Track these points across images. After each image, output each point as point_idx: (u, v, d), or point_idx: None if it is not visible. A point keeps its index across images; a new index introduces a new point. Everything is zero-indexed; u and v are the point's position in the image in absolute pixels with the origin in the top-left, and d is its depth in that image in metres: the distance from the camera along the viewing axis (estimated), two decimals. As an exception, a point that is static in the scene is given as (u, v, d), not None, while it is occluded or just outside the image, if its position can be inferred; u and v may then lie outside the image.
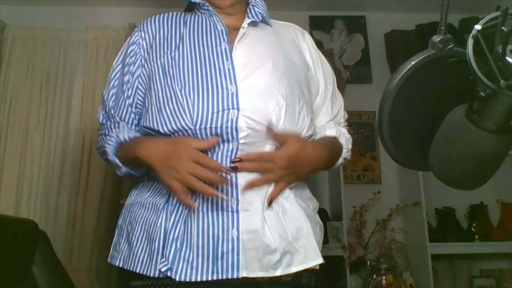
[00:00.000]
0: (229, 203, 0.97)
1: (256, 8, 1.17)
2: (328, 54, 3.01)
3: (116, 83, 1.17)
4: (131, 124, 1.13)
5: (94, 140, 2.94)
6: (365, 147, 3.08)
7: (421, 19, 3.10)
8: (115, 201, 2.73)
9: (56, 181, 2.79)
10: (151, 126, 1.04)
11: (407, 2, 3.13)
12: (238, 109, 1.00)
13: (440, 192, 2.58)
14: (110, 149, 1.10)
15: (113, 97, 1.15)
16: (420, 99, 0.93)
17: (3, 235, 1.29)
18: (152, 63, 1.11)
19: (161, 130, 1.02)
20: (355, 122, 3.07)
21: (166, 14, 1.19)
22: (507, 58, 0.72)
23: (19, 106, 2.88)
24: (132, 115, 1.13)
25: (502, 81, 0.72)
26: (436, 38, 0.87)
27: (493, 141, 0.82)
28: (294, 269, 0.98)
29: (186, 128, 0.99)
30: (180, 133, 1.00)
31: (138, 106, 1.13)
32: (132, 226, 1.08)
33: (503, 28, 0.72)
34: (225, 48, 1.08)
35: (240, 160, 0.98)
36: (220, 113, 0.99)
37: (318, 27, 3.25)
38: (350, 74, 3.19)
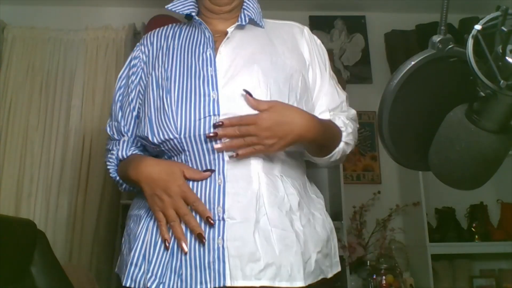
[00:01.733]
0: (215, 211, 0.97)
1: (245, 11, 1.16)
2: (328, 54, 3.01)
3: (121, 96, 1.19)
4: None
5: (94, 140, 2.98)
6: (365, 147, 3.08)
7: (421, 19, 3.10)
8: (115, 201, 2.73)
9: (56, 181, 2.79)
10: (143, 135, 1.06)
11: (407, 2, 3.13)
12: (219, 115, 0.99)
13: (440, 192, 2.58)
14: (111, 167, 1.14)
15: (120, 110, 1.17)
16: (420, 99, 0.93)
17: (1, 235, 1.29)
18: (148, 76, 1.13)
19: (151, 139, 1.04)
20: (355, 122, 3.07)
21: (166, 27, 1.21)
22: (507, 58, 0.72)
23: (19, 106, 2.88)
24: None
25: (502, 81, 0.72)
26: (436, 38, 0.87)
27: (493, 141, 0.82)
28: (278, 283, 0.95)
29: (172, 137, 1.01)
30: (167, 143, 1.02)
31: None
32: (127, 238, 1.09)
33: (503, 28, 0.72)
34: (210, 54, 1.07)
35: (222, 124, 0.96)
36: (202, 120, 0.99)
37: (318, 27, 3.25)
38: (350, 74, 3.19)
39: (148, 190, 1.01)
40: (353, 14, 3.28)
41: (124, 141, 1.13)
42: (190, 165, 1.02)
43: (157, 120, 1.04)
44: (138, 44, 1.22)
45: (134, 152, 1.12)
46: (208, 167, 1.00)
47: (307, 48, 1.20)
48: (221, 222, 0.96)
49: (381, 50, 3.23)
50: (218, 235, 0.95)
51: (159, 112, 1.04)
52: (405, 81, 0.89)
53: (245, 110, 0.99)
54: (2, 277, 1.25)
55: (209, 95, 1.02)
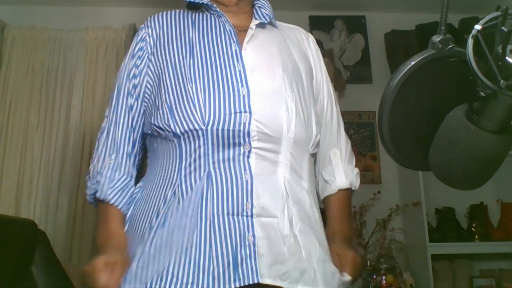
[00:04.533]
0: (244, 207, 0.95)
1: (263, 10, 1.16)
2: (328, 54, 3.01)
3: (124, 82, 1.12)
4: (132, 127, 1.11)
5: (94, 140, 2.95)
6: (365, 147, 3.08)
7: (421, 19, 3.10)
8: (115, 201, 2.72)
9: (56, 181, 2.79)
10: (163, 125, 1.01)
11: (407, 2, 3.13)
12: (250, 112, 0.98)
13: (440, 192, 2.58)
14: (90, 195, 1.13)
15: (121, 99, 1.11)
16: (420, 99, 0.93)
17: (2, 235, 1.29)
18: (160, 61, 1.08)
19: (173, 129, 0.99)
20: (355, 122, 3.07)
21: (173, 12, 1.16)
22: (507, 58, 0.72)
23: (19, 106, 2.88)
24: (135, 119, 1.11)
25: (502, 81, 0.72)
26: (436, 38, 0.87)
27: (493, 141, 0.82)
28: (300, 287, 0.95)
29: (198, 128, 0.97)
30: (190, 133, 0.98)
31: (144, 104, 1.10)
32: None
33: (503, 28, 0.72)
34: (235, 50, 1.06)
35: None
36: (233, 115, 0.97)
37: (318, 27, 3.25)
38: (350, 74, 3.19)
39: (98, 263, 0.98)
40: (353, 14, 3.28)
41: (111, 166, 1.08)
42: (208, 159, 0.97)
43: (179, 109, 0.99)
44: (142, 26, 1.15)
45: (114, 195, 1.08)
46: (230, 162, 0.97)
47: (312, 58, 1.22)
48: (250, 219, 0.94)
49: (381, 50, 3.23)
50: (248, 232, 0.93)
51: (182, 101, 1.00)
52: (405, 81, 0.90)
53: (274, 110, 1.00)
54: (3, 277, 1.25)
55: (238, 91, 1.00)
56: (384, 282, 2.56)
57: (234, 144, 0.97)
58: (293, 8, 3.09)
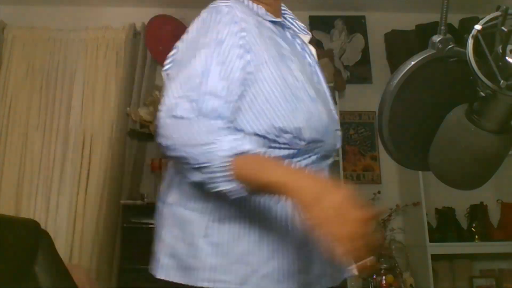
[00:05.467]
0: None
1: (298, 22, 1.20)
2: (328, 54, 3.01)
3: (227, 68, 0.90)
4: (229, 121, 0.89)
5: (94, 140, 2.98)
6: (365, 147, 3.08)
7: (421, 19, 3.10)
8: (115, 201, 2.73)
9: (56, 181, 2.79)
10: (296, 125, 0.92)
11: (407, 2, 3.13)
12: (339, 130, 1.04)
13: (440, 192, 2.58)
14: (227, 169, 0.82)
15: (225, 85, 0.89)
16: (420, 99, 0.93)
17: (6, 235, 1.29)
18: (260, 63, 0.94)
19: (303, 135, 0.92)
20: (355, 122, 3.07)
21: (250, 16, 0.99)
22: (507, 58, 0.72)
23: (19, 106, 2.88)
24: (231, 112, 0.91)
25: (502, 81, 0.72)
26: (436, 38, 0.87)
27: (493, 141, 0.82)
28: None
29: (321, 139, 0.95)
30: (312, 144, 0.94)
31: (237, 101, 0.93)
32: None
33: (503, 28, 0.72)
34: (317, 71, 1.07)
35: None
36: (333, 132, 1.01)
37: (318, 27, 3.25)
38: (350, 74, 3.19)
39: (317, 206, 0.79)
40: (353, 14, 3.28)
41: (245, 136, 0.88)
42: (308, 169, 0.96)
43: (297, 120, 0.93)
44: (228, 10, 0.95)
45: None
46: (320, 171, 0.99)
47: None
48: None
49: (381, 50, 3.23)
50: None
51: (296, 112, 0.93)
52: (405, 81, 0.90)
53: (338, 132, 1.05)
54: (7, 276, 1.25)
55: (333, 110, 1.04)
56: (384, 282, 2.56)
57: (328, 157, 1.01)
58: (293, 8, 3.07)
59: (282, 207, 0.91)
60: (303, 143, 0.93)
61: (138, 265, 2.13)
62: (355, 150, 3.05)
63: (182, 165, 0.86)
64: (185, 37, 0.98)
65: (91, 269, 2.62)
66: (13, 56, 2.96)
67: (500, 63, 0.73)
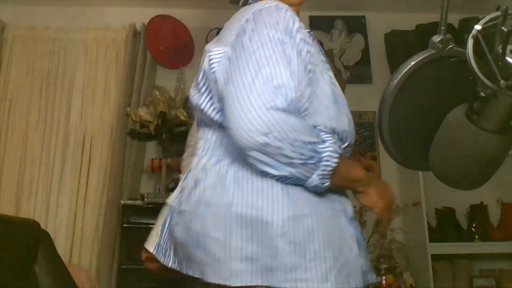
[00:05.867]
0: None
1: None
2: (328, 54, 3.01)
3: (302, 65, 0.92)
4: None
5: (94, 139, 2.98)
6: (365, 147, 3.08)
7: (421, 19, 3.10)
8: (115, 201, 2.73)
9: (56, 181, 2.79)
10: (345, 128, 1.01)
11: (407, 2, 3.13)
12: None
13: (440, 192, 2.57)
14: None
15: (304, 77, 0.91)
16: (420, 99, 0.93)
17: (6, 235, 1.29)
18: (317, 64, 0.98)
19: (350, 138, 1.02)
20: (355, 122, 3.06)
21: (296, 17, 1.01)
22: (507, 58, 0.72)
23: (19, 106, 2.88)
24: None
25: (502, 81, 0.72)
26: (436, 38, 0.87)
27: (493, 141, 0.82)
28: None
29: (351, 144, 1.04)
30: (347, 148, 1.03)
31: None
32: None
33: (503, 28, 0.72)
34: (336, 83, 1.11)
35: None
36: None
37: (318, 27, 3.25)
38: (350, 74, 3.19)
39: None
40: (353, 14, 3.28)
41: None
42: None
43: (342, 121, 1.01)
44: (286, 10, 0.96)
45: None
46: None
47: None
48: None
49: (381, 50, 3.23)
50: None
51: (344, 112, 1.03)
52: (405, 81, 0.90)
53: None
54: (7, 276, 1.25)
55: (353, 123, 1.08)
56: (384, 282, 2.56)
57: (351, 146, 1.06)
58: (293, 8, 3.09)
59: (340, 202, 0.98)
60: (344, 145, 0.99)
61: (138, 265, 2.13)
62: (355, 150, 3.05)
63: (273, 159, 0.86)
64: (243, 38, 0.94)
65: (91, 269, 2.62)
66: (13, 56, 2.96)
67: (500, 63, 0.73)
